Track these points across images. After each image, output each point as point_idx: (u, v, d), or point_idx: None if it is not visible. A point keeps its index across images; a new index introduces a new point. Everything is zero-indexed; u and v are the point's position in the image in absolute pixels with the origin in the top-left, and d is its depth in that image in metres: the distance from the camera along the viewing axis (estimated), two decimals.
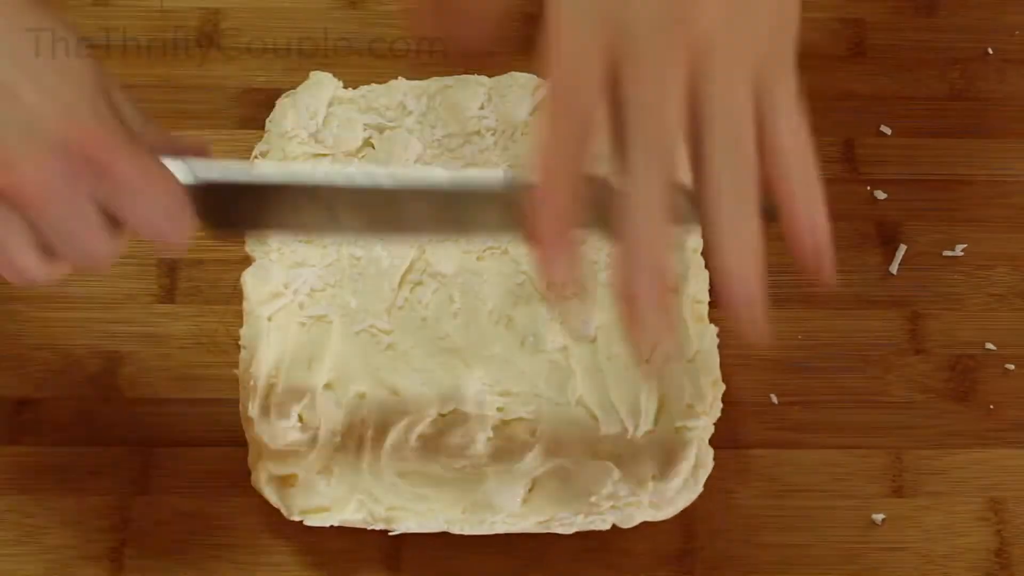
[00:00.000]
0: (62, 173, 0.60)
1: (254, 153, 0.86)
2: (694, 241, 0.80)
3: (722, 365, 0.80)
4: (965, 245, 0.87)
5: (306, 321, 0.80)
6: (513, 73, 0.88)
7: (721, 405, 0.78)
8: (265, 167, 0.70)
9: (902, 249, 0.87)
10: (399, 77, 0.88)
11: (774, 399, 0.82)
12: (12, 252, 0.61)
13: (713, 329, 0.79)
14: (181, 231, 0.64)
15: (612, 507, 0.75)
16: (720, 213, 0.58)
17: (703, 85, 0.58)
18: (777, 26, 0.59)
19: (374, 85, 0.88)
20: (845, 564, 0.77)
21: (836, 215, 0.88)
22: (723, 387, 0.80)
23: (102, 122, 0.61)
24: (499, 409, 0.78)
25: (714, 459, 0.78)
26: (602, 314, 0.79)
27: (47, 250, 0.62)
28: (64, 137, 0.60)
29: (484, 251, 0.83)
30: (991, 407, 0.82)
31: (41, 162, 0.59)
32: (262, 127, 0.87)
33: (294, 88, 0.87)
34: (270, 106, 0.87)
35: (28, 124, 0.59)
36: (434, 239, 0.77)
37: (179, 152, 0.65)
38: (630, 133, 0.58)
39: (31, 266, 0.62)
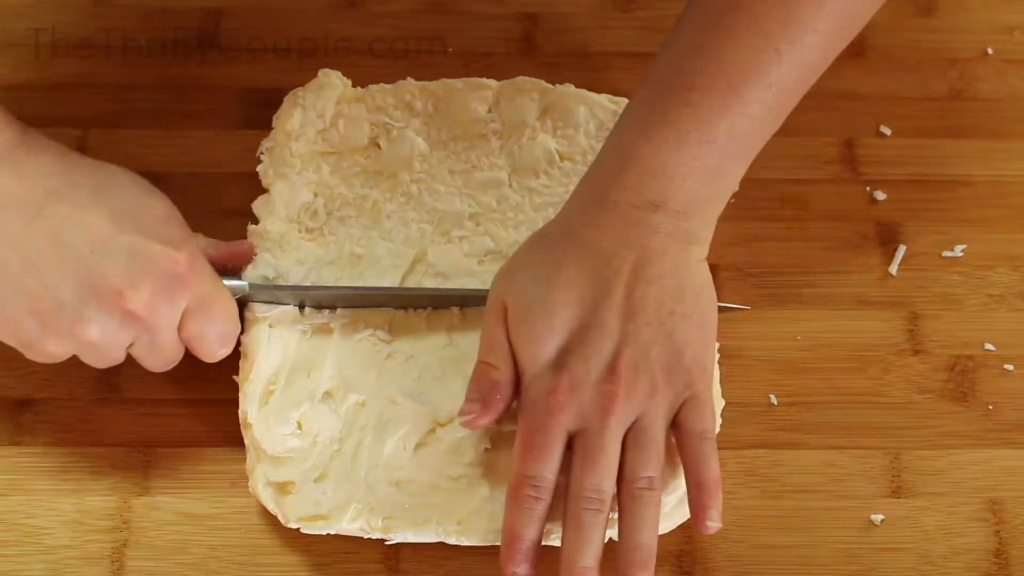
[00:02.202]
0: (163, 294, 0.72)
1: (260, 150, 0.86)
2: None
3: (721, 366, 0.81)
4: (964, 245, 0.87)
5: (307, 328, 0.80)
6: (520, 77, 0.88)
7: (721, 421, 0.79)
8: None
9: (902, 250, 0.87)
10: (407, 78, 0.88)
11: (774, 399, 0.82)
12: (111, 352, 0.74)
13: (714, 346, 0.78)
14: (223, 355, 0.76)
15: (608, 519, 0.74)
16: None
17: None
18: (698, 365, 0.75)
19: (383, 84, 0.88)
20: (844, 564, 0.77)
21: (836, 215, 0.89)
22: (723, 403, 0.80)
23: (192, 250, 0.73)
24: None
25: None
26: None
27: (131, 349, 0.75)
28: (165, 265, 0.71)
29: (485, 255, 0.83)
30: (990, 407, 0.82)
31: (147, 287, 0.71)
32: (263, 126, 0.87)
33: (295, 88, 0.87)
34: (271, 106, 0.87)
35: (135, 254, 0.71)
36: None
37: (228, 260, 0.79)
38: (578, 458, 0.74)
39: (118, 360, 0.74)
